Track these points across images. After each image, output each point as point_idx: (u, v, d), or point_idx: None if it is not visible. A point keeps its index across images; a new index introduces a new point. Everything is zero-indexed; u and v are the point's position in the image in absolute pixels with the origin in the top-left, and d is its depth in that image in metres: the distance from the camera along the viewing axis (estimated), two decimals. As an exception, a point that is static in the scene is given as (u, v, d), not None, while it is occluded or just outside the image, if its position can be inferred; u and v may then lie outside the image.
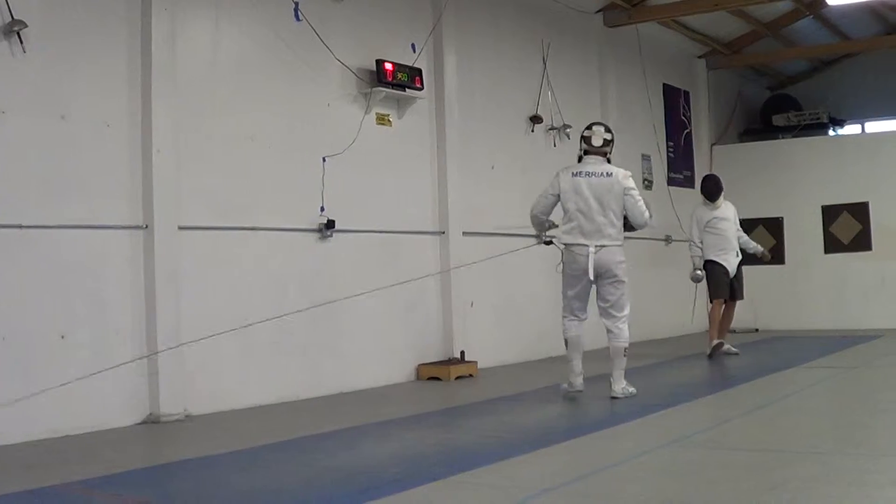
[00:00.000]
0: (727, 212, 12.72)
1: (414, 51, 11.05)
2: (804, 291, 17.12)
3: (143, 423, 7.99)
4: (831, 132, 19.09)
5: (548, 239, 9.12)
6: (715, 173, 13.17)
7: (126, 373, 7.89)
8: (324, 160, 9.70)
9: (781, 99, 19.80)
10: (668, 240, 16.19)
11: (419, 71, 10.88)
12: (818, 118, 18.74)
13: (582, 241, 8.57)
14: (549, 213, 8.94)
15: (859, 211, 16.79)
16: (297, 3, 9.54)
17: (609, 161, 8.78)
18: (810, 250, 17.14)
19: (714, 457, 6.19)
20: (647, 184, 16.06)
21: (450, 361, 10.98)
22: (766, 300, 17.10)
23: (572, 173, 8.67)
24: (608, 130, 8.87)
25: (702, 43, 17.29)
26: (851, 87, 19.51)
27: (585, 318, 8.85)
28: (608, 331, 8.70)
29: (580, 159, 8.78)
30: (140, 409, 8.03)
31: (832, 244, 17.05)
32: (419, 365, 10.83)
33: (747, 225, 17.07)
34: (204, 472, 6.22)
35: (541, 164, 13.18)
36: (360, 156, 10.04)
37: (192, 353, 8.31)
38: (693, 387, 10.04)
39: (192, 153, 8.55)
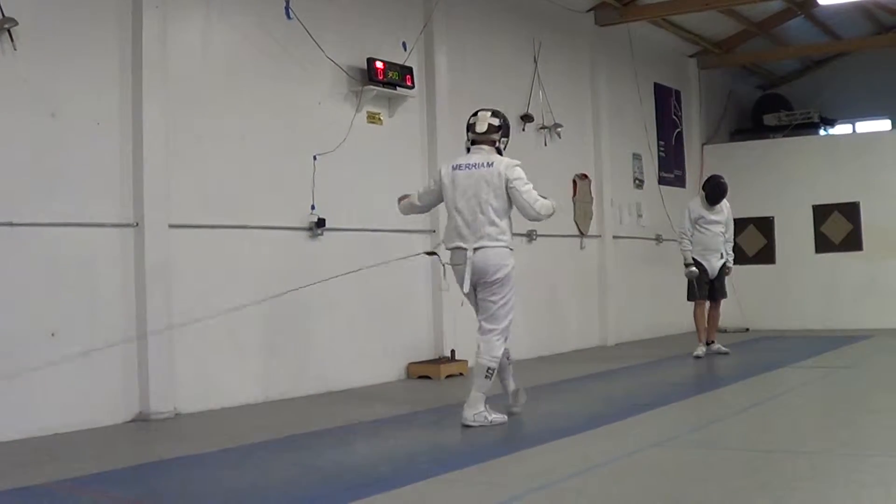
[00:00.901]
0: (721, 213, 12.56)
1: (405, 49, 11.05)
2: (795, 291, 17.15)
3: (133, 421, 7.98)
4: (822, 132, 19.14)
5: (432, 250, 8.37)
6: (720, 176, 12.83)
7: (115, 371, 7.89)
8: (314, 158, 9.70)
9: (772, 98, 19.82)
10: (658, 239, 16.21)
11: (410, 69, 10.88)
12: (809, 118, 18.78)
13: (460, 243, 7.46)
14: (427, 205, 7.99)
15: (850, 211, 16.83)
16: (288, 1, 9.53)
17: (500, 152, 7.66)
18: (801, 250, 17.17)
19: (704, 456, 6.21)
20: (638, 183, 16.09)
21: (440, 360, 10.98)
22: (757, 300, 17.13)
23: (452, 166, 7.61)
24: (496, 115, 7.73)
25: (693, 42, 17.31)
26: (842, 86, 19.54)
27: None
28: (478, 344, 7.48)
29: (468, 151, 7.69)
30: (129, 407, 8.01)
31: (823, 244, 17.08)
32: (409, 363, 10.83)
33: (739, 225, 17.12)
34: (193, 470, 6.21)
35: (532, 162, 13.06)
36: (350, 154, 10.04)
37: (182, 351, 8.32)
38: (683, 386, 10.06)
39: (182, 151, 8.54)
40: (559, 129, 13.62)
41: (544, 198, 7.52)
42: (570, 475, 5.66)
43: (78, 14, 7.86)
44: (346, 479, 5.77)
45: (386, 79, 10.51)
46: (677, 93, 17.64)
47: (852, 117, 19.85)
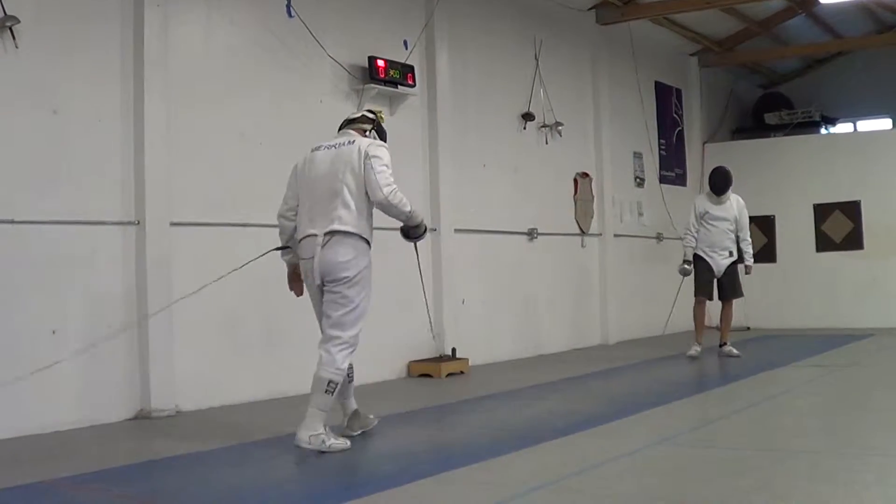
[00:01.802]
0: (729, 210, 12.24)
1: (406, 48, 11.05)
2: (796, 290, 17.14)
3: (134, 418, 7.99)
4: (823, 130, 19.14)
5: (285, 245, 6.95)
6: (725, 166, 12.67)
7: (116, 368, 7.90)
8: (316, 156, 9.69)
9: (774, 97, 19.81)
10: (659, 237, 16.21)
11: (411, 68, 10.89)
12: (810, 116, 18.78)
13: (311, 229, 6.47)
14: (294, 210, 6.77)
15: (851, 210, 16.81)
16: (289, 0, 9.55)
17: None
18: (802, 249, 17.16)
19: (704, 455, 6.21)
20: (639, 181, 16.10)
21: (441, 358, 10.98)
22: (758, 298, 17.08)
23: (312, 149, 6.73)
24: (373, 112, 7.09)
25: (694, 41, 17.30)
26: (843, 85, 19.54)
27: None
28: (319, 352, 6.47)
29: None
30: (130, 404, 8.02)
31: (824, 243, 17.07)
32: (410, 362, 10.83)
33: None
34: (194, 467, 6.21)
35: (533, 161, 13.23)
36: (352, 152, 10.03)
37: (183, 349, 8.33)
38: (684, 385, 10.06)
39: (184, 149, 8.54)
40: (560, 128, 13.63)
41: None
42: (570, 474, 5.66)
43: (79, 11, 7.86)
44: (347, 477, 5.78)
45: (387, 77, 10.51)
46: (678, 91, 17.64)
47: (853, 116, 19.84)
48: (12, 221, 7.26)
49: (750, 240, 12.46)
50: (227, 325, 8.76)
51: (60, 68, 7.69)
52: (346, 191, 6.40)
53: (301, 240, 6.56)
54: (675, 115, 17.49)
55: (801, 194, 17.11)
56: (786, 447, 6.36)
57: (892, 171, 16.54)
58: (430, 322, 7.16)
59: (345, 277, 6.39)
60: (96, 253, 7.90)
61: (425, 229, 6.97)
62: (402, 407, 8.51)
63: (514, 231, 12.85)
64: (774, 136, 18.56)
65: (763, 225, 17.44)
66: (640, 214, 15.96)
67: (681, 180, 17.48)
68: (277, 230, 6.94)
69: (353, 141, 6.56)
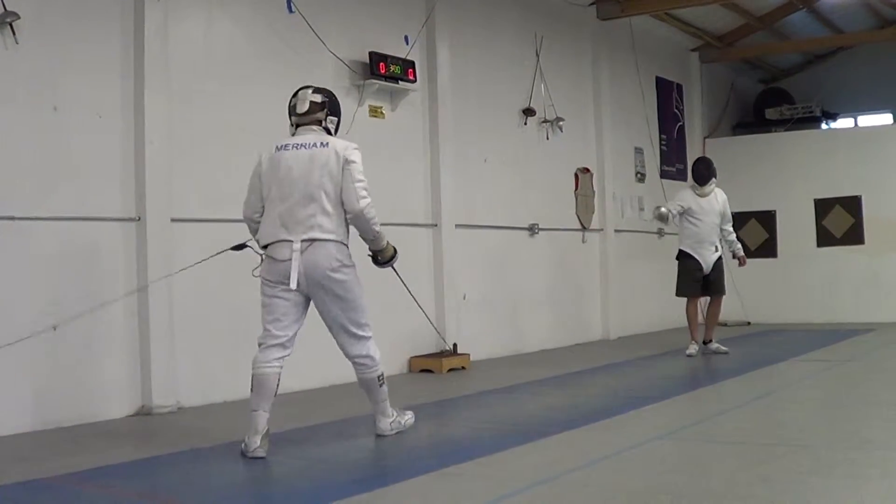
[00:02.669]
0: (714, 203, 11.85)
1: (407, 43, 11.05)
2: (797, 285, 17.14)
3: (135, 414, 7.99)
4: (824, 126, 19.11)
5: (241, 243, 6.86)
6: (707, 156, 12.44)
7: (118, 365, 7.91)
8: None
9: (774, 92, 19.80)
10: (660, 233, 16.19)
11: (412, 63, 10.88)
12: (811, 112, 18.77)
13: (284, 235, 6.22)
14: (260, 213, 6.51)
15: (852, 204, 16.81)
16: (290, -5, 9.55)
17: (330, 132, 6.55)
18: (803, 244, 17.15)
19: (706, 449, 6.22)
20: (640, 177, 16.09)
21: (442, 354, 10.98)
22: (759, 293, 17.11)
23: (276, 146, 6.41)
24: (319, 91, 6.58)
25: (695, 36, 17.29)
26: (844, 80, 19.52)
27: (290, 351, 6.46)
28: (354, 363, 6.58)
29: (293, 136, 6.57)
30: (132, 400, 8.03)
31: (825, 238, 17.07)
32: (411, 357, 10.84)
33: (740, 219, 17.10)
34: (196, 463, 6.22)
35: (534, 156, 13.23)
36: (352, 148, 10.02)
37: (184, 345, 8.33)
38: (685, 380, 10.06)
39: (184, 145, 8.54)
40: (561, 123, 13.62)
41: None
42: (573, 468, 5.66)
43: (80, 8, 7.86)
44: (349, 472, 5.78)
45: (388, 73, 10.51)
46: (679, 86, 17.63)
47: (854, 111, 19.82)
48: (12, 218, 7.25)
49: (734, 231, 12.25)
50: (228, 322, 8.75)
51: (61, 64, 7.69)
52: (324, 197, 6.22)
53: (270, 244, 6.30)
54: (675, 111, 17.48)
55: (802, 189, 17.11)
56: (787, 441, 6.36)
57: (893, 166, 16.54)
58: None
59: (341, 282, 6.28)
60: (97, 249, 7.90)
61: (395, 252, 6.79)
62: (403, 402, 8.49)
63: (515, 226, 12.84)
64: (775, 131, 18.56)
65: (764, 220, 17.46)
66: (641, 209, 15.96)
67: (682, 175, 17.43)
68: (243, 218, 6.71)
69: (327, 143, 6.32)
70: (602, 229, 14.75)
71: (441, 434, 7.18)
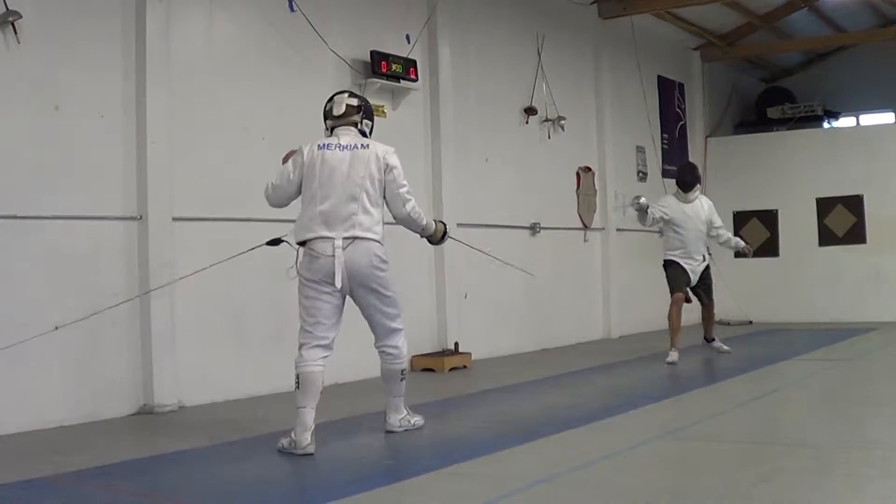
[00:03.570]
0: (699, 210, 11.37)
1: (408, 42, 11.04)
2: (798, 284, 17.13)
3: (137, 413, 7.99)
4: (826, 125, 19.11)
5: (276, 238, 6.94)
6: (692, 162, 11.95)
7: (119, 364, 7.91)
8: (318, 151, 9.68)
9: (776, 91, 19.81)
10: (661, 232, 16.17)
11: (414, 62, 10.88)
12: (813, 111, 18.77)
13: (324, 232, 6.34)
14: (283, 198, 6.72)
15: (854, 204, 16.81)
16: (291, -6, 9.55)
17: (366, 135, 6.68)
18: (805, 243, 17.15)
19: (707, 449, 6.22)
20: (642, 176, 16.09)
21: (444, 353, 10.99)
22: (761, 292, 17.13)
23: (318, 145, 6.55)
24: (354, 95, 6.83)
25: (696, 35, 17.28)
26: (846, 79, 19.51)
27: (332, 352, 6.51)
28: (383, 352, 6.78)
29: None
30: (133, 399, 8.03)
31: (827, 237, 17.07)
32: (413, 356, 10.83)
33: (742, 218, 17.14)
34: (197, 462, 6.22)
35: (535, 155, 13.23)
36: (354, 147, 10.03)
37: (186, 344, 8.33)
38: (686, 379, 10.06)
39: (186, 144, 8.54)
40: (562, 122, 13.63)
41: None
42: (573, 468, 5.66)
43: (81, 8, 7.86)
44: (350, 471, 5.79)
45: (389, 71, 10.51)
46: (681, 85, 17.62)
47: (856, 110, 19.81)
48: (14, 217, 7.26)
49: (725, 230, 11.88)
50: (229, 321, 8.76)
51: (62, 64, 7.69)
52: (365, 197, 6.39)
53: (311, 241, 6.39)
54: (677, 110, 17.48)
55: (804, 188, 17.11)
56: (788, 440, 6.36)
57: (895, 165, 16.52)
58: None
59: (381, 278, 6.46)
60: (98, 248, 7.91)
61: (445, 231, 7.19)
62: (405, 401, 8.50)
63: (516, 225, 12.85)
64: (777, 130, 18.56)
65: (766, 219, 17.46)
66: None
67: (683, 175, 17.46)
68: (266, 198, 6.80)
69: (368, 145, 6.52)
70: (603, 228, 14.75)
71: (442, 433, 7.18)
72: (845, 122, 19.74)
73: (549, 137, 13.54)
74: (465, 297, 11.69)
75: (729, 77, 19.35)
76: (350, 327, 6.75)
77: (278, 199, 6.71)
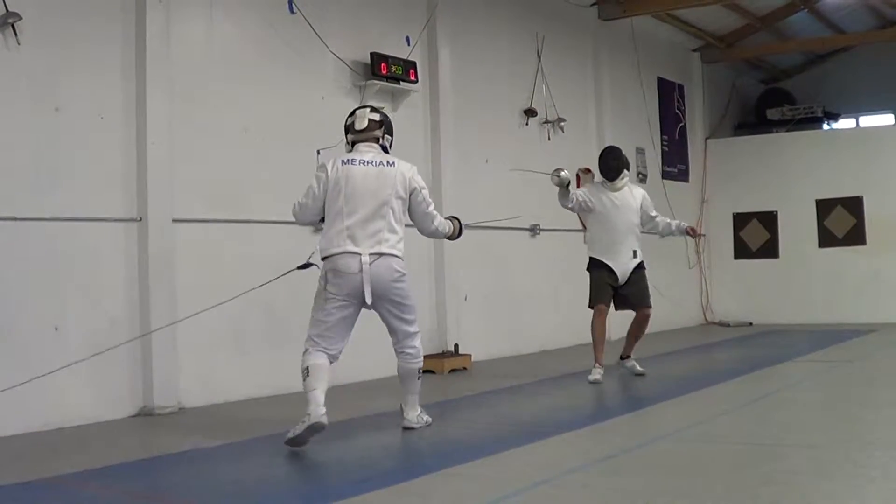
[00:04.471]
0: (629, 199, 9.90)
1: (408, 44, 11.05)
2: (798, 285, 17.13)
3: (137, 415, 7.99)
4: (826, 126, 19.12)
5: (306, 262, 6.90)
6: (616, 146, 10.56)
7: (119, 365, 7.90)
8: (318, 153, 9.67)
9: (776, 93, 19.82)
10: (661, 234, 16.17)
11: (413, 64, 10.89)
12: (812, 112, 18.78)
13: (351, 247, 6.47)
14: (312, 216, 6.87)
15: (853, 205, 16.81)
16: (291, -4, 9.56)
17: (386, 150, 6.85)
18: (804, 244, 17.15)
19: (708, 450, 6.21)
20: (642, 177, 16.08)
21: (443, 354, 10.99)
22: (761, 294, 17.14)
23: (342, 161, 6.65)
24: (376, 110, 6.92)
25: (696, 36, 17.29)
26: (846, 81, 19.52)
27: (337, 360, 6.65)
28: (402, 352, 6.92)
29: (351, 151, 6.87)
30: (133, 401, 8.03)
31: (826, 238, 17.07)
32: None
33: (742, 219, 17.14)
34: (198, 463, 6.22)
35: (535, 157, 13.19)
36: (354, 148, 10.03)
37: (186, 345, 8.33)
38: (687, 380, 10.04)
39: (186, 145, 8.55)
40: (562, 124, 13.63)
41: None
42: (574, 469, 5.65)
43: (81, 8, 7.87)
44: (350, 473, 5.78)
45: (389, 73, 10.52)
46: (681, 87, 17.63)
47: (856, 112, 19.82)
48: (14, 218, 7.26)
49: (667, 217, 10.49)
50: (229, 322, 8.75)
51: (62, 65, 7.69)
52: (391, 214, 6.60)
53: (335, 255, 6.52)
54: (677, 111, 17.48)
55: (804, 190, 17.11)
56: (789, 442, 6.35)
57: (895, 167, 16.54)
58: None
59: (401, 290, 6.67)
60: (98, 250, 7.91)
61: (460, 227, 7.43)
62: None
63: (516, 227, 12.84)
64: (777, 131, 18.57)
65: (766, 221, 17.47)
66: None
67: (683, 176, 17.47)
68: (294, 217, 6.98)
69: (393, 163, 6.70)
70: (604, 230, 14.72)
71: (442, 434, 7.17)
72: (845, 123, 19.74)
73: (549, 139, 13.54)
74: (465, 298, 11.68)
75: (729, 78, 19.35)
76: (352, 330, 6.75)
77: (306, 217, 6.87)
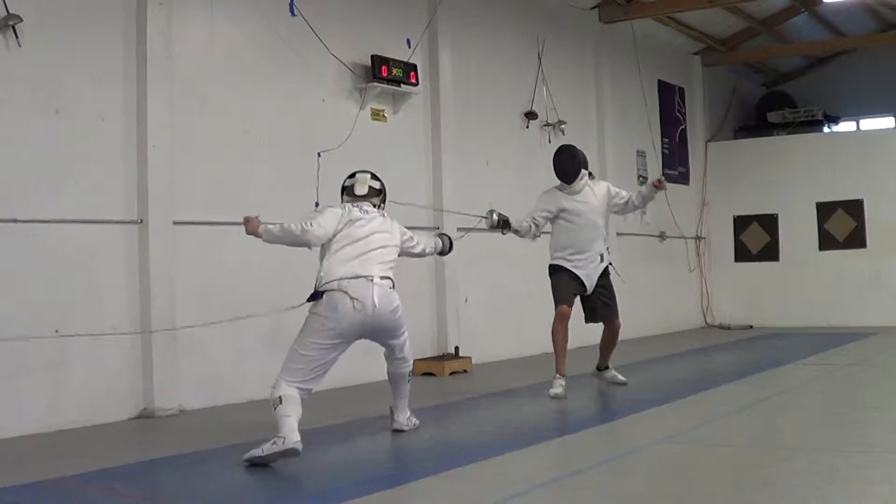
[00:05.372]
0: (590, 198, 9.18)
1: (409, 46, 11.05)
2: (799, 288, 17.13)
3: (138, 417, 7.99)
4: (826, 129, 19.14)
5: (319, 291, 6.60)
6: (571, 144, 9.72)
7: (120, 367, 7.91)
8: (319, 155, 9.70)
9: (776, 96, 19.83)
10: (662, 236, 16.20)
11: (414, 66, 10.89)
12: (813, 115, 18.79)
13: (359, 271, 6.50)
14: (321, 238, 6.73)
15: (854, 208, 16.81)
16: (292, -2, 9.56)
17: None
18: (805, 247, 17.15)
19: (708, 453, 6.21)
20: (642, 180, 16.06)
21: (444, 357, 10.98)
22: (761, 297, 17.14)
23: (350, 205, 6.86)
24: (376, 178, 7.04)
25: (697, 39, 17.30)
26: (846, 84, 19.54)
27: (307, 396, 6.44)
28: (394, 360, 7.08)
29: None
30: (134, 403, 8.03)
31: (827, 241, 17.07)
32: (413, 360, 10.81)
33: (742, 222, 17.14)
34: (198, 466, 6.22)
35: (535, 160, 13.20)
36: (354, 151, 10.00)
37: (186, 348, 8.33)
38: (687, 383, 10.04)
39: (186, 148, 8.55)
40: (563, 127, 13.62)
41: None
42: (573, 472, 5.66)
43: (82, 11, 7.87)
44: (351, 475, 5.78)
45: (390, 76, 10.52)
46: (681, 90, 17.63)
47: (856, 115, 19.85)
48: (15, 221, 7.27)
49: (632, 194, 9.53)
50: (229, 325, 8.73)
51: (63, 67, 7.70)
52: (395, 251, 6.85)
53: (345, 279, 6.44)
54: (677, 114, 17.49)
55: (804, 193, 17.12)
56: (789, 445, 6.35)
57: (895, 170, 16.53)
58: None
59: (397, 320, 6.81)
60: (99, 252, 7.91)
61: (450, 239, 7.82)
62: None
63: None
64: (777, 134, 18.58)
65: (766, 223, 17.47)
66: (643, 213, 15.93)
67: (684, 179, 17.46)
68: (298, 232, 6.71)
69: (392, 221, 6.97)
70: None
71: (442, 437, 7.18)
72: (845, 126, 19.77)
73: (550, 142, 13.52)
74: (466, 301, 11.68)
75: (729, 81, 19.35)
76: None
77: (315, 235, 6.66)
